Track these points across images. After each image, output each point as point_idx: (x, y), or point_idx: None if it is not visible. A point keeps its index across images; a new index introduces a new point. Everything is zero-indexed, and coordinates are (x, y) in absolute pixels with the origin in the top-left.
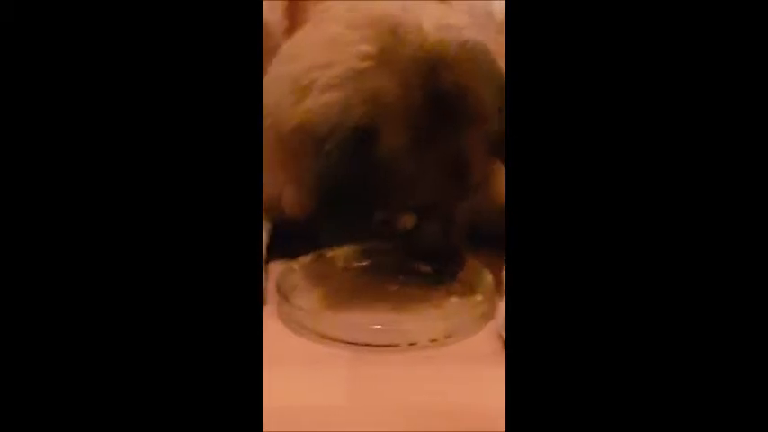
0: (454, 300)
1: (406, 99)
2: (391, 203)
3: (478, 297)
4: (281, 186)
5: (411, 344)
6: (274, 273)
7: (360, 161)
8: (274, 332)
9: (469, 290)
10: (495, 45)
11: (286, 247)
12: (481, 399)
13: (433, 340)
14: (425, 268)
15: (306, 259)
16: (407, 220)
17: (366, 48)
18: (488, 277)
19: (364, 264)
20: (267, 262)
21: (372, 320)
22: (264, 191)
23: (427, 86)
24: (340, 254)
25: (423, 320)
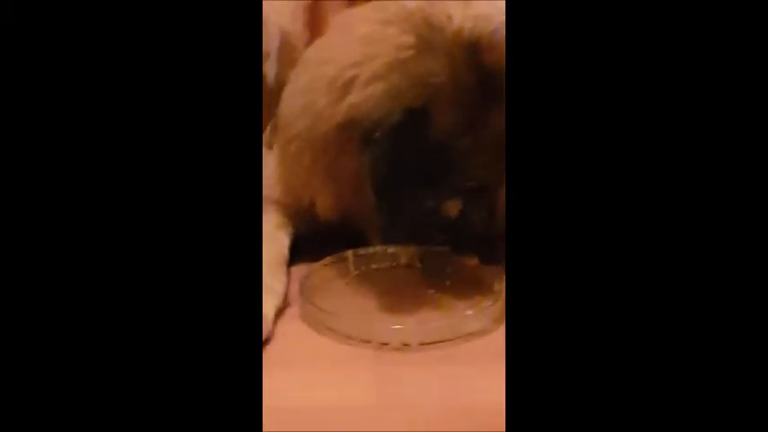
0: (471, 301)
1: (454, 79)
2: (442, 188)
3: (494, 298)
4: (313, 192)
5: (429, 343)
6: (297, 276)
7: (413, 145)
8: (297, 333)
9: (487, 291)
10: None
11: (309, 250)
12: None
13: (451, 340)
14: (470, 260)
15: (328, 261)
16: (452, 207)
17: (406, 38)
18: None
19: (385, 265)
20: (290, 265)
21: (395, 321)
22: (292, 197)
23: (472, 66)
24: (364, 254)
25: (443, 320)
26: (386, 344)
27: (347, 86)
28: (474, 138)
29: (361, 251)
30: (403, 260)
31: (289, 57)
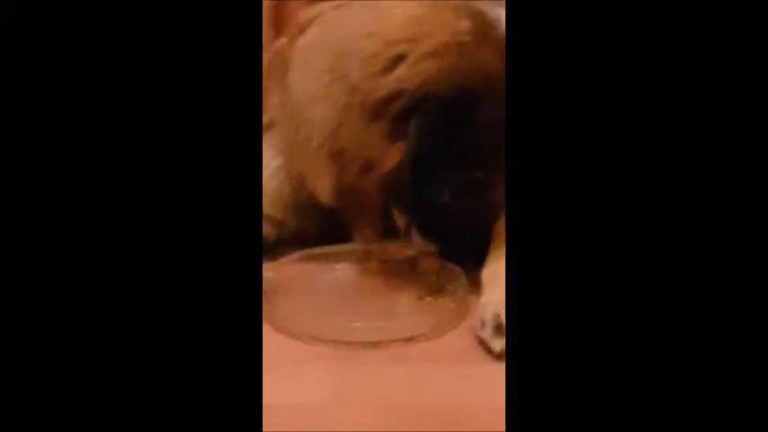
0: (430, 299)
1: (503, 73)
2: (460, 171)
3: (453, 297)
4: (316, 175)
5: (390, 342)
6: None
7: (456, 125)
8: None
9: (445, 290)
10: None
11: (271, 250)
12: (459, 396)
13: (411, 338)
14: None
15: (289, 260)
16: (445, 194)
17: (464, 24)
18: (462, 279)
19: (346, 264)
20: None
21: (354, 319)
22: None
23: None
24: (323, 254)
25: (402, 319)
26: (344, 342)
27: (395, 61)
28: (501, 133)
29: (325, 249)
30: (367, 258)
31: None
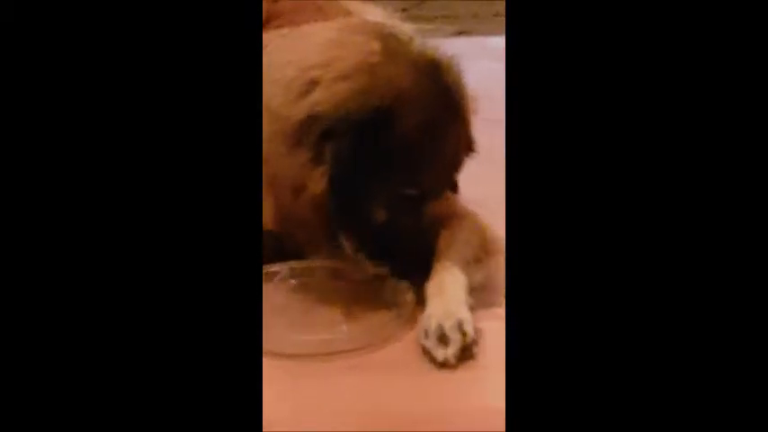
0: (377, 313)
1: (418, 86)
2: (392, 190)
3: (400, 310)
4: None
5: (337, 353)
6: None
7: (373, 144)
8: None
9: (392, 303)
10: None
11: None
12: (406, 402)
13: (358, 350)
14: (381, 272)
15: None
16: (380, 213)
17: (374, 44)
18: (410, 294)
19: (294, 280)
20: None
21: (301, 333)
22: None
23: (433, 80)
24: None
25: (349, 332)
26: (296, 355)
27: (309, 86)
28: (429, 147)
29: (274, 267)
30: (315, 272)
31: None
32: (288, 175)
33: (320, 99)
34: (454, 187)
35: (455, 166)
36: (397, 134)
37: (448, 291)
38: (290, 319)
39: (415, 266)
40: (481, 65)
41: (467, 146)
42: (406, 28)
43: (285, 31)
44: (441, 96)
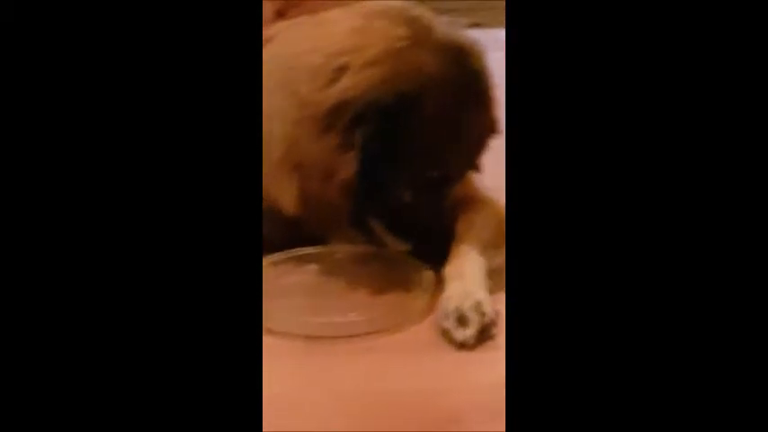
0: (398, 295)
1: (444, 72)
2: (417, 172)
3: (420, 292)
4: (279, 187)
5: (354, 335)
6: None
7: (402, 128)
8: None
9: (412, 286)
10: None
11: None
12: (425, 381)
13: (378, 332)
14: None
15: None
16: (406, 195)
17: (399, 30)
18: (429, 276)
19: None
20: None
21: (322, 316)
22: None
23: (459, 65)
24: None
25: (370, 314)
26: (313, 337)
27: (338, 72)
28: (453, 131)
29: (294, 252)
30: (337, 256)
31: None
32: (317, 160)
33: (349, 85)
34: (477, 168)
35: (479, 147)
36: (422, 119)
37: (467, 273)
38: (311, 303)
39: (434, 249)
40: (495, 57)
41: (491, 127)
42: (427, 12)
43: (303, 18)
44: (465, 80)
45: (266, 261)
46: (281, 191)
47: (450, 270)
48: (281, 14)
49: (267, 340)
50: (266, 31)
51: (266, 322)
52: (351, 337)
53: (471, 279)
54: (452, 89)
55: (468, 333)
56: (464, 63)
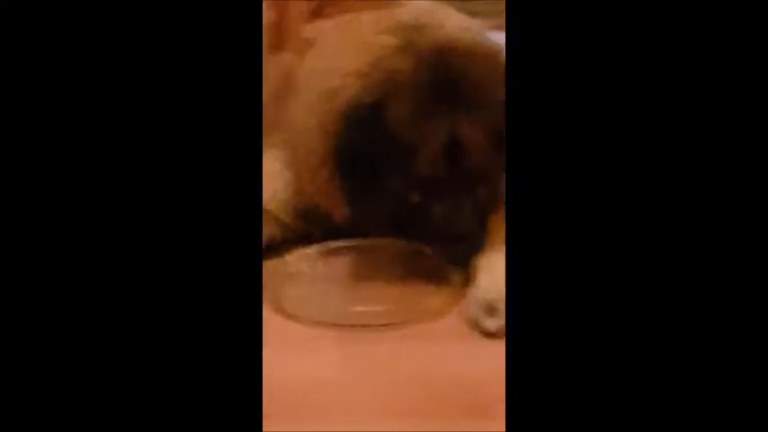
0: (429, 287)
1: (414, 77)
2: (397, 174)
3: (451, 285)
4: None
5: (388, 324)
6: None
7: (372, 131)
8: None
9: (444, 280)
10: None
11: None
12: (457, 368)
13: (411, 321)
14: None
15: (292, 255)
16: (413, 196)
17: (388, 39)
18: (458, 270)
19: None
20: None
21: (354, 305)
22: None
23: (436, 68)
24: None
25: (403, 305)
26: (349, 326)
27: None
28: (422, 131)
29: (332, 243)
30: (367, 250)
31: None
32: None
33: (347, 96)
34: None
35: (461, 156)
36: (389, 124)
37: (496, 266)
38: (344, 292)
39: (465, 247)
40: None
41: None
42: (452, 17)
43: (330, 23)
44: (440, 83)
45: (305, 252)
46: (332, 205)
47: (479, 263)
48: (316, 14)
49: (301, 329)
50: (305, 33)
51: (302, 311)
52: (380, 326)
53: (500, 271)
54: (422, 91)
55: (497, 323)
56: (448, 65)
